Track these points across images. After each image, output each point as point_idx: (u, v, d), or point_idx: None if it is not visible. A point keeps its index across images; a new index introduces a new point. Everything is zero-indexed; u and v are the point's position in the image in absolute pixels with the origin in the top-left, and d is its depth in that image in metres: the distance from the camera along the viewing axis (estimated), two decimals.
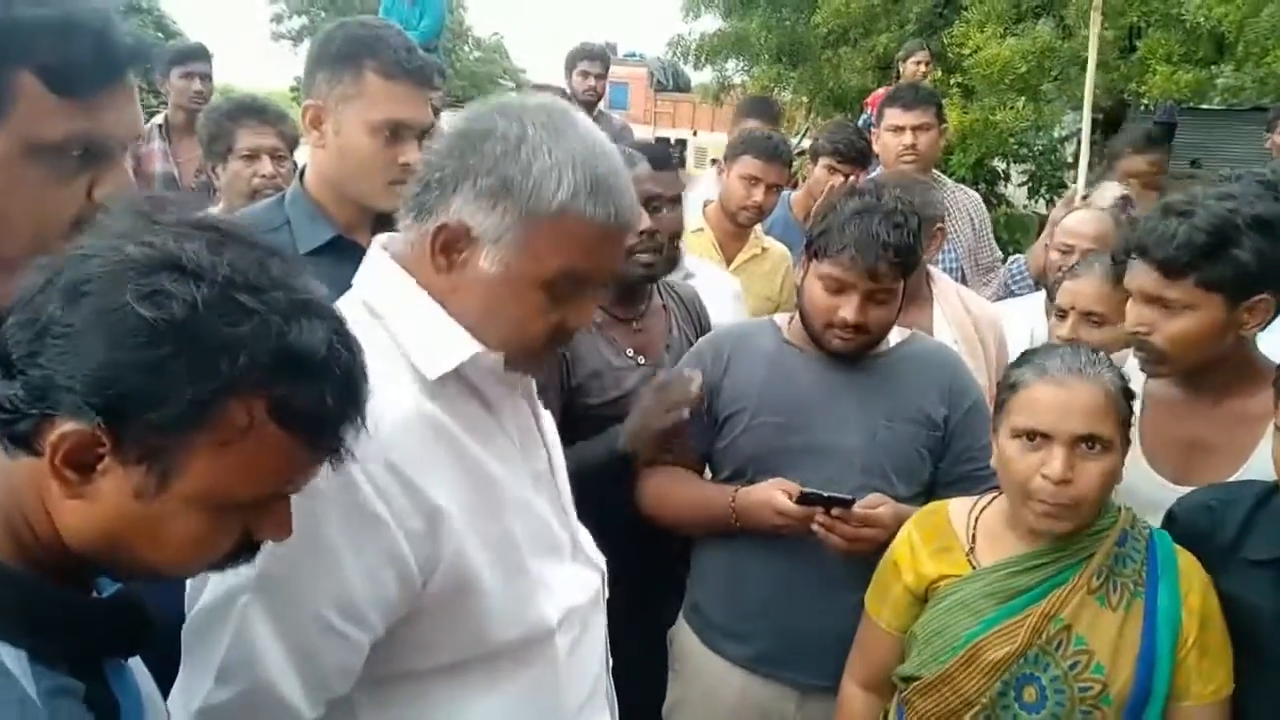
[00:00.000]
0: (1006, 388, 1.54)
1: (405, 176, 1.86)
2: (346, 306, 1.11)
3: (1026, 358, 1.57)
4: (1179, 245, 1.57)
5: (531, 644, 1.18)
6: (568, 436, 1.51)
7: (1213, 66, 8.19)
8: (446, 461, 1.11)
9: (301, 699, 1.07)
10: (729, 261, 3.12)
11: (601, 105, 5.10)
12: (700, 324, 2.29)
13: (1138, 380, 1.78)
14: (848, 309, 1.79)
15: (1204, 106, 9.83)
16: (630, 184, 1.13)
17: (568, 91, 4.84)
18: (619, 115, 6.96)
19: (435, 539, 1.08)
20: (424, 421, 1.10)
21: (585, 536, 1.35)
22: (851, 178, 3.25)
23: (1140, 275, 1.65)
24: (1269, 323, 1.64)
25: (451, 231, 1.10)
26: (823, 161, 3.55)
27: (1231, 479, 1.65)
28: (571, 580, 1.26)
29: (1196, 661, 1.47)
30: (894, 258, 1.77)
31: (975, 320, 2.47)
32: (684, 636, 2.00)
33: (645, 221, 2.19)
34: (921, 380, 1.90)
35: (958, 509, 1.66)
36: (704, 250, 3.02)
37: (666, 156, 2.48)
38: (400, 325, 1.14)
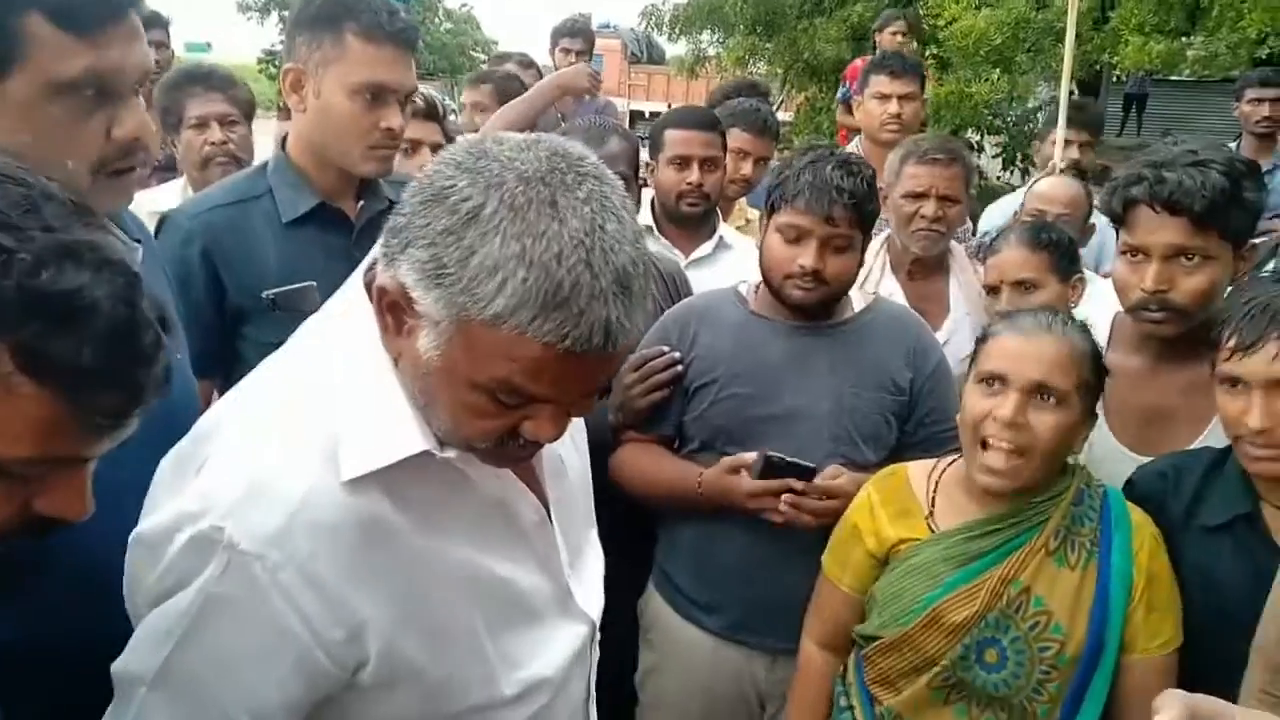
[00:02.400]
0: (979, 341, 1.57)
1: (387, 141, 1.83)
2: (305, 352, 1.02)
3: (1007, 314, 1.59)
4: (1210, 195, 1.55)
5: (483, 710, 1.07)
6: None
7: (1184, 37, 8.23)
8: (383, 566, 0.95)
9: None
10: None
11: None
12: (675, 300, 2.28)
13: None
14: (806, 256, 1.80)
15: (1175, 78, 9.89)
16: (611, 296, 0.85)
17: (555, 69, 4.80)
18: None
19: (359, 644, 0.96)
20: (358, 523, 0.93)
21: (587, 577, 1.22)
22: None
23: (1163, 230, 1.60)
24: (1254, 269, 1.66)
25: (393, 297, 0.90)
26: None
27: (1192, 445, 1.65)
28: (549, 645, 1.13)
29: (1144, 616, 1.49)
30: (849, 201, 1.78)
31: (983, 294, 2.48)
32: (655, 605, 2.01)
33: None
34: (886, 346, 1.90)
35: (917, 472, 1.66)
36: None
37: (714, 120, 2.62)
38: (343, 395, 0.96)
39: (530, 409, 0.92)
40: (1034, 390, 1.47)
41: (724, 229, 2.72)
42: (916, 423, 1.89)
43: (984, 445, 1.50)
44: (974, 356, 1.57)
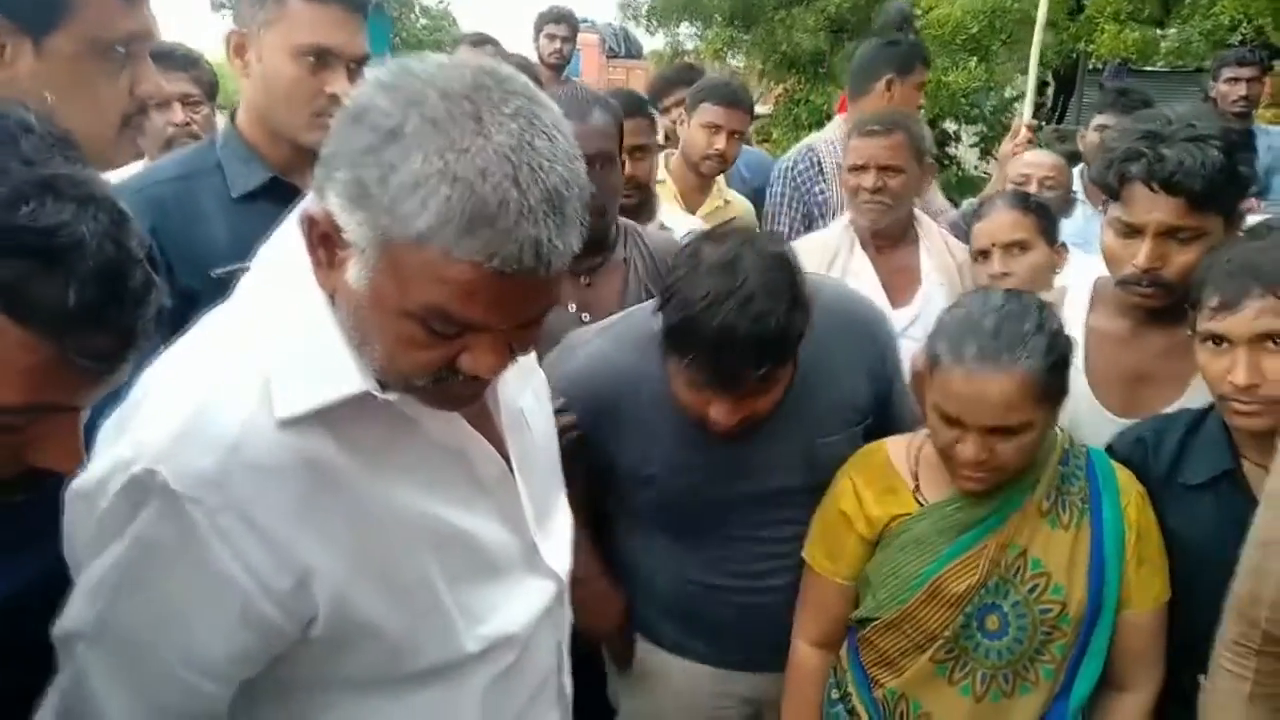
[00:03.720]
0: (930, 355, 1.46)
1: (332, 108, 1.77)
2: (241, 298, 0.99)
3: (951, 325, 1.45)
4: (1208, 174, 1.52)
5: (446, 670, 1.04)
6: None
7: (1159, 26, 8.28)
8: (328, 510, 0.92)
9: None
10: (692, 214, 3.08)
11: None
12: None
13: (1081, 313, 1.78)
14: (718, 411, 1.48)
15: (1149, 69, 9.94)
16: (541, 215, 0.81)
17: (539, 55, 4.77)
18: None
19: (307, 594, 0.92)
20: (299, 465, 0.90)
21: (555, 536, 1.19)
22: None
23: (1159, 210, 1.57)
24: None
25: (322, 227, 0.87)
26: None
27: (1172, 407, 1.65)
28: (514, 600, 1.10)
29: (1135, 571, 1.50)
30: (758, 374, 1.42)
31: (960, 265, 2.47)
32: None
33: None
34: (842, 364, 1.67)
35: (896, 447, 1.63)
36: (665, 202, 2.99)
37: (641, 103, 2.43)
38: (279, 336, 0.93)
39: (467, 339, 0.88)
40: (991, 430, 1.42)
41: (664, 213, 2.62)
42: (881, 424, 1.74)
43: (955, 470, 1.48)
44: (929, 368, 1.47)
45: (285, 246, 0.97)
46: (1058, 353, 1.42)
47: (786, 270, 1.44)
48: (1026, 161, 2.94)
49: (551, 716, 1.23)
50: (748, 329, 1.36)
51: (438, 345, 0.88)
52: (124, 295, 0.73)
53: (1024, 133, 3.34)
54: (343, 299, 0.90)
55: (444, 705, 1.06)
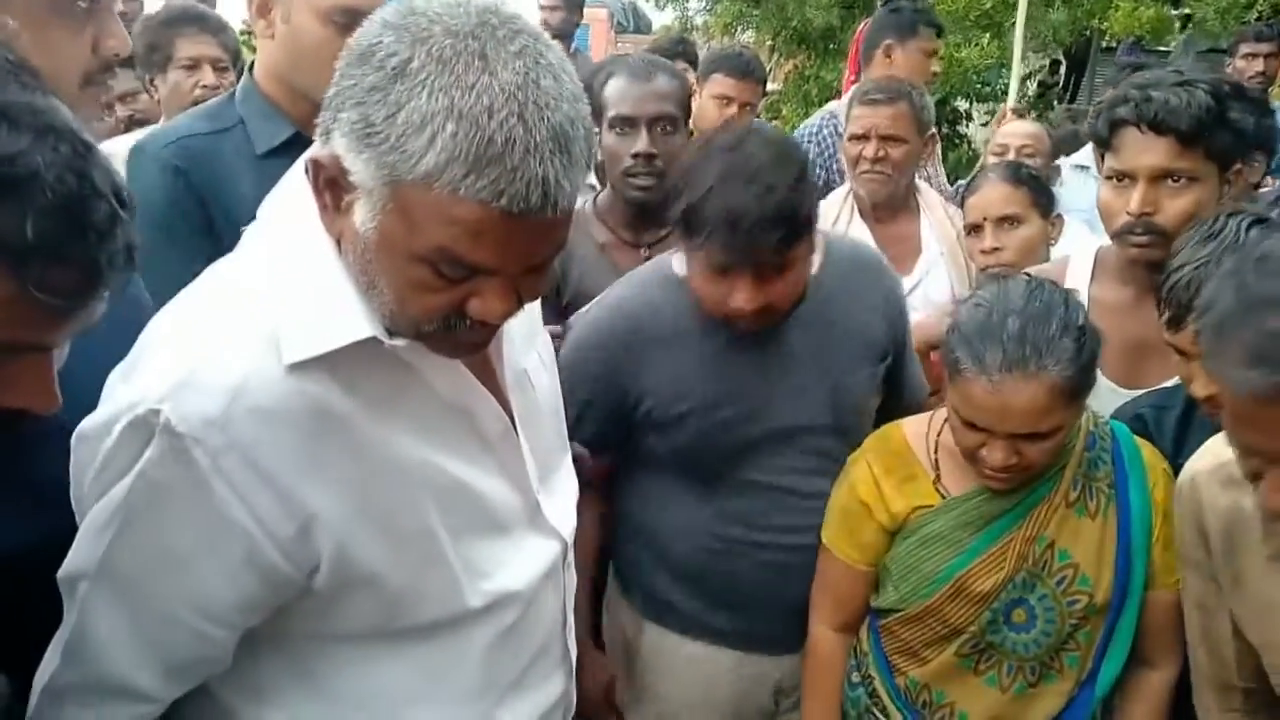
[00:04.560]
0: (949, 359, 1.42)
1: None
2: (242, 252, 0.99)
3: (970, 328, 1.39)
4: (1195, 113, 1.55)
5: (449, 625, 1.06)
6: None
7: (1173, 4, 8.17)
8: (333, 456, 0.93)
9: (161, 688, 0.97)
10: None
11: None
12: None
13: (1084, 283, 1.78)
14: (738, 296, 1.51)
15: (1163, 48, 9.83)
16: (548, 153, 0.81)
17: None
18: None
19: (310, 541, 0.93)
20: (304, 410, 0.90)
21: (558, 497, 1.19)
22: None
23: (1149, 152, 1.60)
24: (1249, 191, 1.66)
25: (329, 170, 0.87)
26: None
27: (1176, 378, 1.63)
28: (517, 557, 1.10)
29: (1161, 553, 1.48)
30: (776, 238, 1.46)
31: (960, 234, 2.45)
32: (637, 626, 1.87)
33: (643, 144, 2.09)
34: (857, 303, 1.73)
35: (914, 432, 1.59)
36: None
37: (676, 70, 2.34)
38: (286, 282, 0.93)
39: (475, 283, 0.89)
40: (1019, 437, 1.38)
41: None
42: (895, 393, 1.77)
43: (980, 470, 1.44)
44: (947, 365, 1.43)
45: (290, 194, 0.99)
46: (1087, 352, 1.36)
47: (792, 150, 1.56)
48: (1004, 132, 3.01)
49: (555, 677, 1.23)
50: (757, 199, 1.43)
51: (446, 289, 0.89)
52: (86, 228, 0.71)
53: (1009, 116, 3.39)
54: (350, 243, 0.91)
55: (445, 661, 1.06)
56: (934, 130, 2.54)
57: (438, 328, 0.92)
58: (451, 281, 0.88)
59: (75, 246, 0.71)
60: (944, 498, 1.52)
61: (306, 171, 0.91)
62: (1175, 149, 1.59)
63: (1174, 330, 1.42)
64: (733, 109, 3.03)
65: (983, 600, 1.47)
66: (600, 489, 1.76)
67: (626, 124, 2.11)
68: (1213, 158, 1.61)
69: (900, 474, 1.56)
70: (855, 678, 1.64)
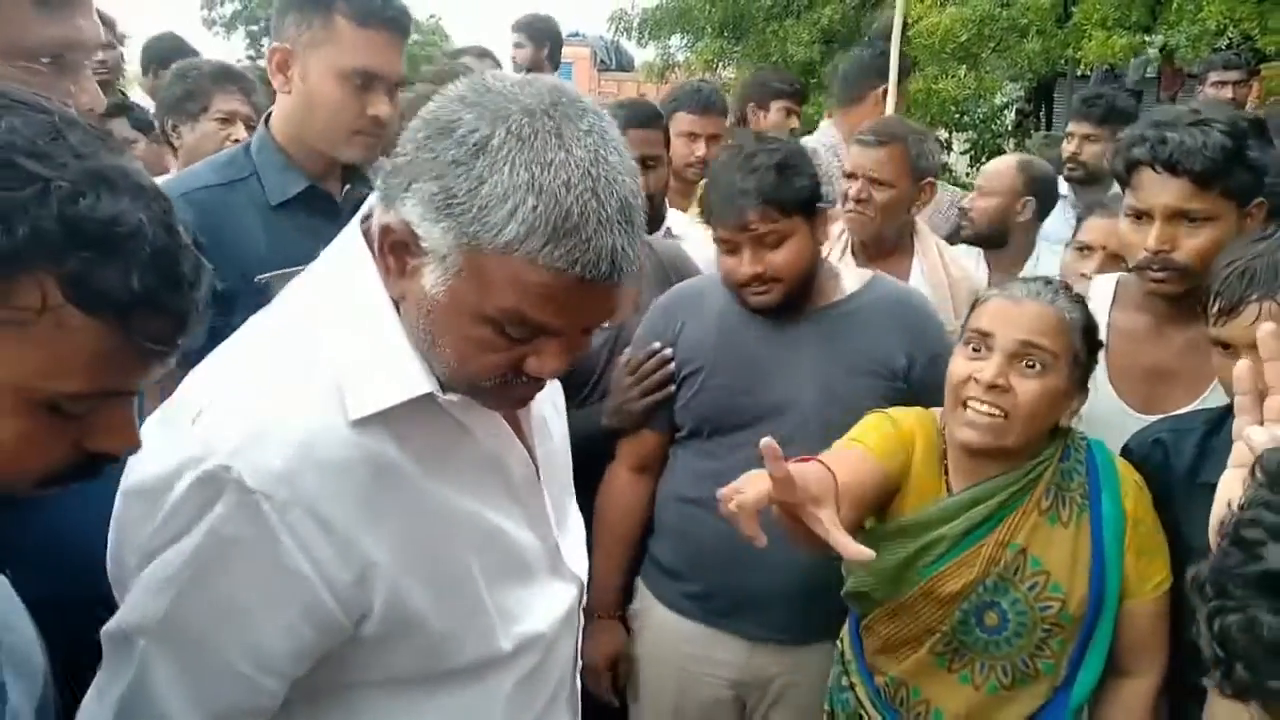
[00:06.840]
0: (969, 313, 1.57)
1: (372, 129, 1.80)
2: (300, 304, 1.01)
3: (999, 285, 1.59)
4: (1211, 154, 1.56)
5: (480, 668, 1.08)
6: None
7: (1145, 33, 8.35)
8: (388, 507, 0.96)
9: None
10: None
11: None
12: (673, 284, 2.25)
13: (1104, 309, 1.80)
14: (741, 264, 1.78)
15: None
16: (616, 225, 0.87)
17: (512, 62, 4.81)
18: None
19: (365, 589, 0.96)
20: (364, 463, 0.93)
21: (572, 540, 1.23)
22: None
23: (1165, 192, 1.61)
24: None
25: (398, 235, 0.91)
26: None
27: (1194, 405, 1.67)
28: (541, 601, 1.14)
29: (1135, 562, 1.52)
30: (757, 202, 1.72)
31: (953, 282, 2.48)
32: (641, 589, 1.98)
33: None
34: (880, 328, 1.85)
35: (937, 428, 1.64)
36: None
37: (653, 114, 2.48)
38: (346, 339, 0.96)
39: (536, 343, 0.93)
40: (1018, 354, 1.46)
41: (671, 218, 2.66)
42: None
43: (964, 405, 1.49)
44: (964, 323, 1.57)
45: (345, 253, 1.01)
46: (1087, 320, 1.52)
47: (785, 143, 1.84)
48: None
49: (564, 719, 1.25)
50: (741, 176, 1.74)
51: (508, 348, 0.93)
52: (179, 279, 0.75)
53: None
54: (412, 304, 0.94)
55: (474, 705, 1.08)
56: (931, 180, 2.53)
57: (494, 383, 0.95)
58: (514, 341, 0.92)
59: (171, 296, 0.75)
60: (950, 492, 1.56)
61: (370, 234, 0.95)
62: (1190, 190, 1.58)
63: (1226, 320, 1.41)
64: (700, 143, 3.07)
65: (951, 601, 1.52)
66: (655, 468, 1.97)
67: None
68: (1230, 196, 1.59)
69: (933, 456, 1.60)
70: (843, 682, 1.70)
